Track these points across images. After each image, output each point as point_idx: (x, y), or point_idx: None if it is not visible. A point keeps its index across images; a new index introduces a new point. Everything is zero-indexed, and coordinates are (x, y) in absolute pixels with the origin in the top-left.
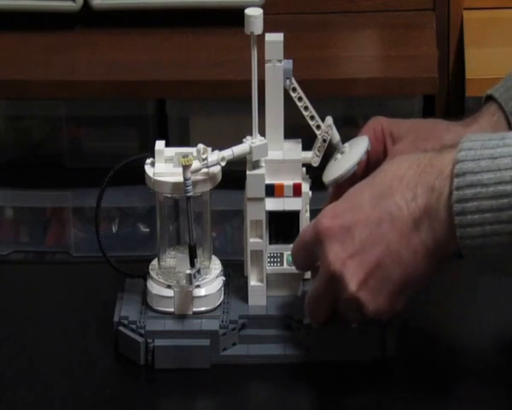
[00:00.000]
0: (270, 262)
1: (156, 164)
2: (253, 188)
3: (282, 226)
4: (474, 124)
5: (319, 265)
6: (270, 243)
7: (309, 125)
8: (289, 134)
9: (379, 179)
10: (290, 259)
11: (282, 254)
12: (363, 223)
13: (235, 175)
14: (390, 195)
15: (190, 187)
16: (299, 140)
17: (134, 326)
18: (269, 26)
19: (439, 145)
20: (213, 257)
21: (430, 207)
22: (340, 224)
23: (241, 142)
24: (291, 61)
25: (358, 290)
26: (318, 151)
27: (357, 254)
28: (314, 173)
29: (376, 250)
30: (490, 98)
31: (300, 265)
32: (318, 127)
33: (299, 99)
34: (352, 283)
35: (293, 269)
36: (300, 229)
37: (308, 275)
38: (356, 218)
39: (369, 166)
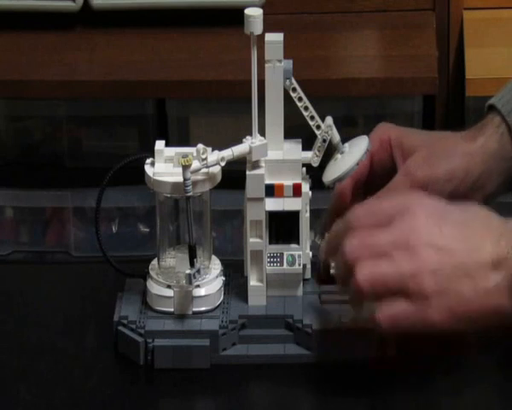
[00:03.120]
0: (269, 262)
1: (156, 164)
2: (252, 188)
3: (281, 226)
4: (481, 138)
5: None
6: (270, 243)
7: (309, 125)
8: (289, 134)
9: (472, 209)
10: (290, 259)
11: (281, 254)
12: (454, 224)
13: (235, 175)
14: (479, 227)
15: (190, 187)
16: (299, 140)
17: (134, 326)
18: (269, 26)
19: (451, 165)
20: (213, 257)
21: (510, 259)
22: (430, 212)
23: (240, 142)
24: (291, 61)
25: (428, 276)
26: (318, 151)
27: (440, 247)
28: (314, 173)
29: (458, 259)
30: (492, 107)
31: (365, 223)
32: (318, 127)
33: (299, 99)
34: (427, 265)
35: (293, 269)
36: (300, 229)
37: (308, 275)
38: (447, 215)
39: (374, 175)
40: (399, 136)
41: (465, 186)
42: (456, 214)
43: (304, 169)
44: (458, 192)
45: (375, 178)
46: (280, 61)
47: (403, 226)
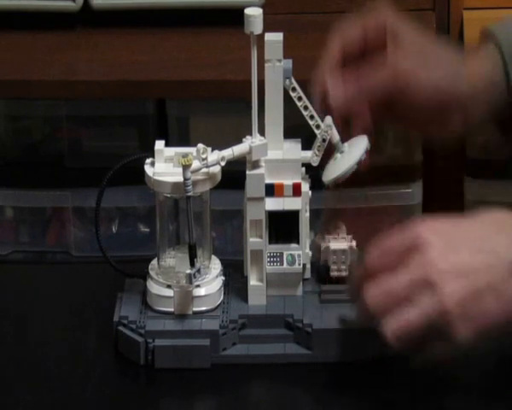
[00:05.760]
0: (269, 262)
1: (156, 164)
2: (252, 188)
3: (281, 226)
4: (473, 62)
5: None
6: (270, 242)
7: (308, 125)
8: (289, 134)
9: (486, 216)
10: (290, 258)
11: (281, 254)
12: (469, 242)
13: (235, 175)
14: (497, 233)
15: (190, 187)
16: (299, 140)
17: (134, 326)
18: (268, 26)
19: (440, 74)
20: (213, 257)
21: None
22: (443, 237)
23: (241, 142)
24: (290, 61)
25: (453, 308)
26: (318, 151)
27: (460, 272)
28: (314, 173)
29: (480, 278)
30: (488, 34)
31: (381, 265)
32: (318, 127)
33: (299, 99)
34: (450, 297)
35: (292, 269)
36: (300, 228)
37: (308, 275)
38: (460, 234)
39: (365, 49)
40: (395, 29)
41: (450, 102)
42: (467, 229)
43: (303, 169)
44: (443, 109)
45: (367, 52)
46: (280, 60)
47: (417, 263)
